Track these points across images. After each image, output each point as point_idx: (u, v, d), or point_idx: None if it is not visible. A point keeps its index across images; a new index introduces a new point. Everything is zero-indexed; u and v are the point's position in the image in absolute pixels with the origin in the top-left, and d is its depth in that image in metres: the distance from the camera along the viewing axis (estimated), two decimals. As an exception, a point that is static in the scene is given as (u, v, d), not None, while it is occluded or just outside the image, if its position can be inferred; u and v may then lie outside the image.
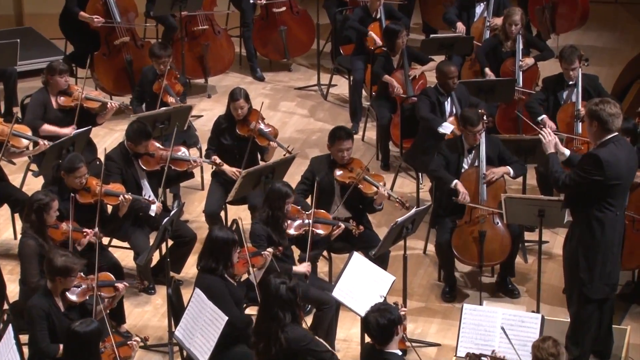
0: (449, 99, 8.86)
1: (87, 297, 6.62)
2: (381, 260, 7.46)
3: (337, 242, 7.72)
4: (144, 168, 8.02)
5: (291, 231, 7.36)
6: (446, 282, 8.10)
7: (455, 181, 7.88)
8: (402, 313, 6.07)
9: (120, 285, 6.79)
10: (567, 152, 6.84)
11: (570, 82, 8.87)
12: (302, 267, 7.19)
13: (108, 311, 6.73)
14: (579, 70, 8.84)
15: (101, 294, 6.68)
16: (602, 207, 6.54)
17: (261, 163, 8.41)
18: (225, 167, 8.35)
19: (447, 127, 8.59)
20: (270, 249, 6.99)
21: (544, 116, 8.80)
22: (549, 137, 6.73)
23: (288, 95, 11.29)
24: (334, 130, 7.82)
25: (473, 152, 8.04)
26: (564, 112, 8.86)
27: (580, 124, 8.70)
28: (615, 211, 6.58)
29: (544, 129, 6.87)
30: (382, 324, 5.67)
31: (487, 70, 9.73)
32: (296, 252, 7.58)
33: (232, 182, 8.15)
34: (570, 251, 6.71)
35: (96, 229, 7.32)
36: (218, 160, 8.36)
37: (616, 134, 6.57)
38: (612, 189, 6.51)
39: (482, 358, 6.11)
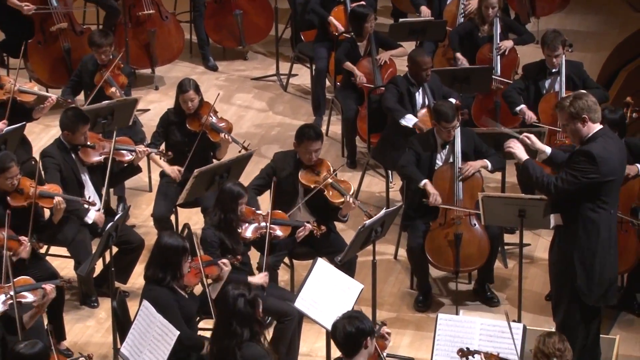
0: (420, 90, 8.88)
1: (8, 307, 6.55)
2: (348, 267, 7.46)
3: (299, 247, 7.71)
4: (84, 161, 7.95)
5: (247, 234, 7.34)
6: (419, 290, 8.12)
7: (425, 181, 7.87)
8: (385, 332, 6.05)
9: (47, 287, 6.70)
10: (547, 149, 6.80)
11: (553, 70, 8.93)
12: (259, 279, 7.14)
13: (48, 328, 6.65)
14: (563, 57, 8.89)
15: (22, 301, 6.59)
16: (596, 206, 6.54)
17: (214, 161, 8.38)
18: (165, 166, 8.29)
19: (409, 120, 8.61)
20: (226, 260, 6.94)
21: (522, 106, 8.85)
22: (516, 145, 6.69)
23: (244, 86, 11.26)
24: (302, 129, 7.80)
25: (447, 147, 8.05)
26: (546, 102, 8.91)
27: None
28: (609, 209, 6.59)
29: (508, 142, 6.75)
30: (348, 332, 5.66)
31: (458, 55, 9.75)
32: (255, 257, 7.55)
33: (183, 183, 8.11)
34: (560, 256, 6.72)
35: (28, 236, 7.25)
36: (164, 150, 8.31)
37: (602, 126, 6.59)
38: (606, 186, 6.53)
39: (475, 355, 6.14)
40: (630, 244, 7.78)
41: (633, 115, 7.96)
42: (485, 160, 8.02)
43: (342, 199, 7.67)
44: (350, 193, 7.72)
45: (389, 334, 6.07)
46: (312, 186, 7.71)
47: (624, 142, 7.66)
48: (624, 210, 7.70)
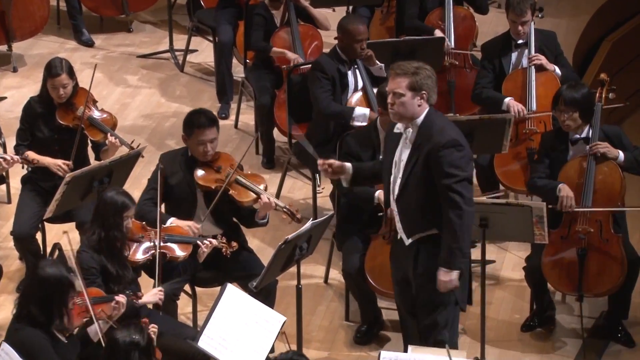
0: (353, 69, 8.93)
1: None
2: (266, 295, 7.49)
3: (203, 270, 7.72)
4: None
5: (137, 257, 7.32)
6: (362, 321, 8.12)
7: (378, 192, 7.85)
8: None
9: None
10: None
11: (520, 41, 9.04)
12: (152, 296, 7.15)
13: None
14: (532, 25, 9.01)
15: None
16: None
17: (94, 163, 8.36)
18: (46, 160, 8.23)
19: (361, 116, 8.67)
20: (122, 297, 6.91)
21: (506, 100, 8.78)
22: None
23: (128, 65, 11.24)
24: (190, 116, 7.80)
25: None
26: (512, 81, 8.97)
27: (534, 98, 8.85)
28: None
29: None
30: None
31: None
32: (146, 284, 7.55)
33: (51, 192, 8.07)
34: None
35: None
36: (33, 157, 8.25)
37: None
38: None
39: None
40: (613, 256, 7.78)
41: (610, 95, 8.08)
42: None
43: (254, 197, 7.68)
44: (263, 187, 7.72)
45: None
46: (212, 187, 7.73)
47: (602, 130, 7.83)
48: (609, 203, 7.81)
